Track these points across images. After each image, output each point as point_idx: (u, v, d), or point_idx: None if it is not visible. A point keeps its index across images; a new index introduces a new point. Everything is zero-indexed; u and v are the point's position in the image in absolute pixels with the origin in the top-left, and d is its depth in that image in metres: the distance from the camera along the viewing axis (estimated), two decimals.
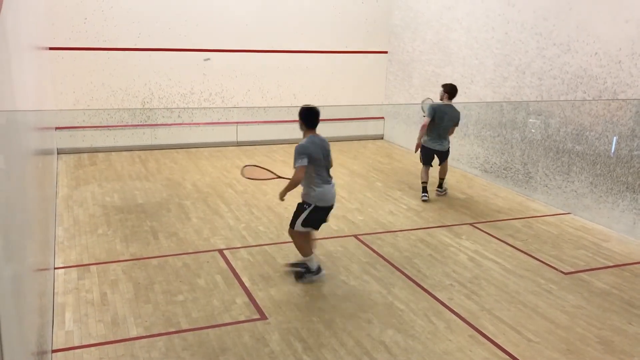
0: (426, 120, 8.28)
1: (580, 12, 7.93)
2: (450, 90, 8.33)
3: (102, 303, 5.23)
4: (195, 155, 10.85)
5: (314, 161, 5.45)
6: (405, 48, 11.94)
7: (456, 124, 8.46)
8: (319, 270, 5.79)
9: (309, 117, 5.57)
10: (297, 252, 5.81)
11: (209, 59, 6.27)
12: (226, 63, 11.35)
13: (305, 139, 5.53)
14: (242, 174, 6.13)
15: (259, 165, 6.40)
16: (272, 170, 6.20)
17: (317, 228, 5.76)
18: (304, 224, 5.58)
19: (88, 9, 10.26)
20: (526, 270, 6.24)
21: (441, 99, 8.41)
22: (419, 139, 8.44)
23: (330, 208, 5.75)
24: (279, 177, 6.09)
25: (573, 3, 8.03)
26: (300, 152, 5.40)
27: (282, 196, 5.70)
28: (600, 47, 7.64)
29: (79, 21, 10.25)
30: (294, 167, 5.44)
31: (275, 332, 4.85)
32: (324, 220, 5.78)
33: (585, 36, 7.84)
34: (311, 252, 5.77)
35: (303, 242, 5.71)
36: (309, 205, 5.56)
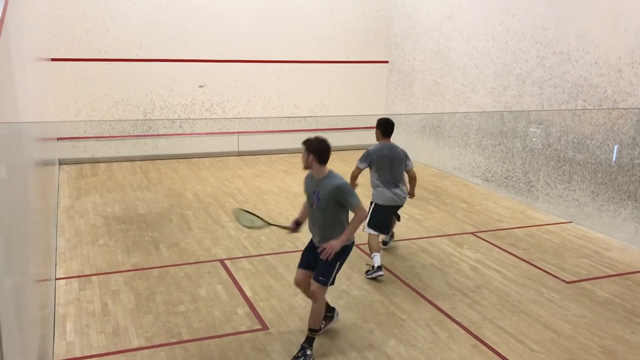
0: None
1: (579, 22, 7.96)
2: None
3: (103, 314, 5.22)
4: (196, 165, 10.86)
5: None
6: (405, 58, 11.98)
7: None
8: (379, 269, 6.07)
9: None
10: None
11: (202, 85, 6.34)
12: (227, 73, 11.39)
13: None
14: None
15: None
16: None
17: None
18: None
19: (90, 21, 10.32)
20: (528, 280, 6.22)
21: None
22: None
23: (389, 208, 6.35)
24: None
25: (572, 13, 8.06)
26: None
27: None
28: (600, 56, 7.66)
29: (81, 32, 10.31)
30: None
31: (276, 342, 4.83)
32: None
33: (585, 45, 7.87)
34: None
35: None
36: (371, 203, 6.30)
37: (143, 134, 11.13)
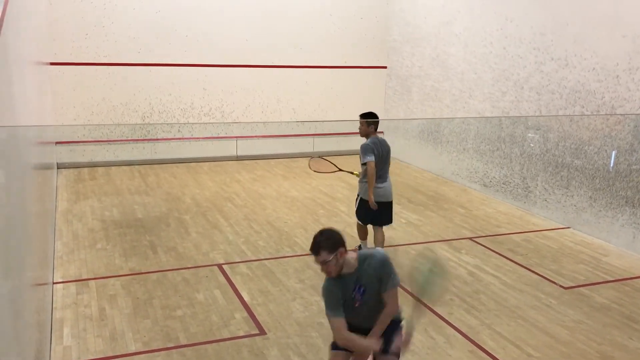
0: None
1: (577, 28, 7.99)
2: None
3: (100, 318, 5.21)
4: (194, 169, 10.86)
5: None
6: (404, 63, 12.01)
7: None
8: None
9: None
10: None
11: None
12: (226, 78, 11.41)
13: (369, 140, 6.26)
14: (310, 166, 7.06)
15: (324, 157, 7.29)
16: (334, 163, 7.10)
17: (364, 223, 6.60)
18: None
19: (89, 25, 10.33)
20: (526, 285, 6.22)
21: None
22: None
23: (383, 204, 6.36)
24: (341, 170, 7.00)
25: (570, 19, 8.09)
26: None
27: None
28: (597, 62, 7.69)
29: (80, 37, 10.32)
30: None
31: (274, 347, 4.82)
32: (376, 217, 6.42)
33: (583, 51, 7.89)
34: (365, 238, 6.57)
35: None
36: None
37: (141, 138, 11.13)
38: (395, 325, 3.77)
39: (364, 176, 6.29)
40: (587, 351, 4.93)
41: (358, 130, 6.41)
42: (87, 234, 7.30)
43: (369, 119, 6.32)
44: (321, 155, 7.32)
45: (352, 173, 6.81)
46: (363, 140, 6.44)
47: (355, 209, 6.71)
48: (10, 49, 3.98)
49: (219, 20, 11.15)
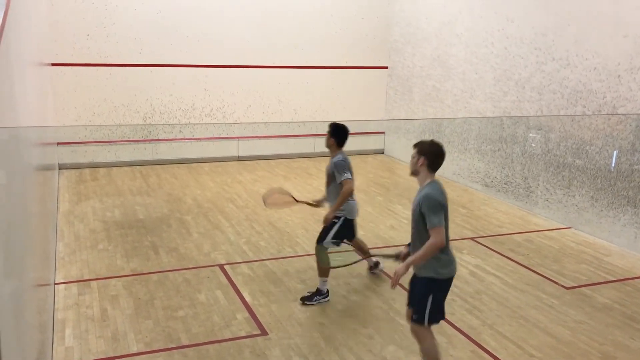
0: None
1: (578, 28, 7.98)
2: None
3: (102, 319, 5.21)
4: (196, 170, 10.87)
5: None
6: (405, 63, 12.01)
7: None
8: (327, 294, 5.71)
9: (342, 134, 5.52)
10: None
11: None
12: (227, 78, 11.41)
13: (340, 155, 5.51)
14: (264, 202, 6.00)
15: (278, 191, 6.06)
16: (291, 195, 5.99)
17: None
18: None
19: (90, 26, 10.34)
20: (527, 285, 6.22)
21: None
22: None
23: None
24: (298, 201, 5.94)
25: (571, 19, 8.08)
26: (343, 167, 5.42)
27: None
28: (599, 62, 7.69)
29: (82, 37, 10.33)
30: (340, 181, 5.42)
31: (276, 347, 4.82)
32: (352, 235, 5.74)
33: (584, 51, 7.89)
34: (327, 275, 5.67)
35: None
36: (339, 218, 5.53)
37: (143, 138, 11.13)
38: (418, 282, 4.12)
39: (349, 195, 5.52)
40: (589, 351, 4.93)
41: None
42: (88, 235, 7.31)
43: (335, 132, 5.59)
44: (279, 188, 6.10)
45: (309, 204, 5.95)
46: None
47: (326, 235, 5.58)
48: (12, 50, 3.99)
49: (219, 20, 11.15)
